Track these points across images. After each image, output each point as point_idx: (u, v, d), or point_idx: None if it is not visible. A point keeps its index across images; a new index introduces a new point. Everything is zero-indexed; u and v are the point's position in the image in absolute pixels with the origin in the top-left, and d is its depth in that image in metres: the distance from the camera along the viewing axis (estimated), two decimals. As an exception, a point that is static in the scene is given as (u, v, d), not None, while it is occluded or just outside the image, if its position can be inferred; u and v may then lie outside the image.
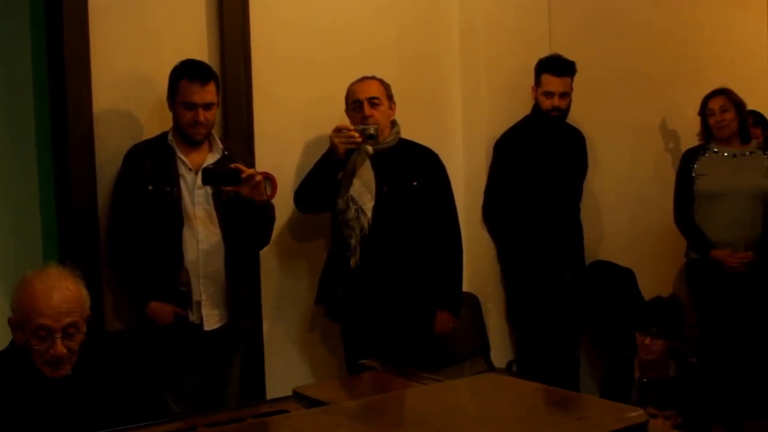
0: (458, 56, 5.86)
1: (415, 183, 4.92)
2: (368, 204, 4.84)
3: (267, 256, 5.07)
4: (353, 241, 4.85)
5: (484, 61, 5.78)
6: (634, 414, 2.44)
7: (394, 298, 4.88)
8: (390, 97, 4.94)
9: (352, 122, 4.85)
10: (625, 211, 6.53)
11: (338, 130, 4.74)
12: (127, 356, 4.44)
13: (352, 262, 4.85)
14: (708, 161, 5.84)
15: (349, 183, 4.85)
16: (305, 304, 5.29)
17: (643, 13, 6.63)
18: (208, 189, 4.44)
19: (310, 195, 4.92)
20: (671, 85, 6.72)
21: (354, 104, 4.87)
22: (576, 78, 5.69)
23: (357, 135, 4.72)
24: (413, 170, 4.95)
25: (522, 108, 5.74)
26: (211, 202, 4.45)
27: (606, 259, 6.32)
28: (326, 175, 4.82)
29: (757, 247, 5.73)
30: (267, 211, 4.56)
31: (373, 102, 4.85)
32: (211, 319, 4.48)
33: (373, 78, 4.95)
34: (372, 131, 4.74)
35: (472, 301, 5.83)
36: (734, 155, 5.82)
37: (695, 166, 5.86)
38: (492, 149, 5.75)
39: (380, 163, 4.86)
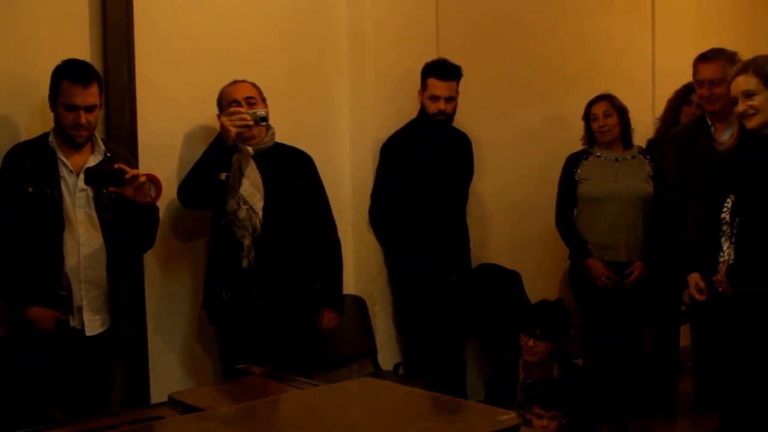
0: (346, 59, 5.86)
1: (298, 183, 4.95)
2: (258, 204, 4.83)
3: (150, 259, 5.01)
4: (247, 242, 4.82)
5: (371, 65, 5.80)
6: (506, 417, 2.46)
7: (286, 299, 4.88)
8: (264, 100, 4.94)
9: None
10: (511, 214, 6.61)
11: (229, 114, 4.71)
12: (6, 362, 4.38)
13: (245, 262, 4.82)
14: (591, 165, 5.93)
15: (239, 183, 4.82)
16: (190, 307, 5.25)
17: (530, 20, 6.74)
18: (90, 192, 4.37)
19: (197, 188, 4.86)
20: (556, 90, 6.83)
21: (232, 104, 4.85)
22: (463, 82, 5.74)
23: (249, 117, 4.71)
24: (293, 171, 4.98)
25: (409, 111, 5.77)
26: (93, 205, 4.38)
27: (492, 262, 6.40)
28: (214, 164, 4.77)
29: (640, 253, 5.86)
30: (151, 214, 4.50)
31: (249, 101, 4.86)
32: (93, 324, 4.41)
33: (244, 81, 4.96)
34: (263, 113, 4.77)
35: (359, 303, 5.85)
36: (616, 159, 5.92)
37: (578, 170, 5.94)
38: (379, 152, 5.76)
39: (261, 164, 4.86)
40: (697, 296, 4.67)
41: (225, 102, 4.90)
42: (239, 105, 4.82)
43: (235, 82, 4.95)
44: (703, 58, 5.41)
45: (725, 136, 4.95)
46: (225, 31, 5.36)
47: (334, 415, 2.63)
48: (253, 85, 4.95)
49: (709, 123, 5.37)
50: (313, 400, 2.87)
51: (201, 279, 5.11)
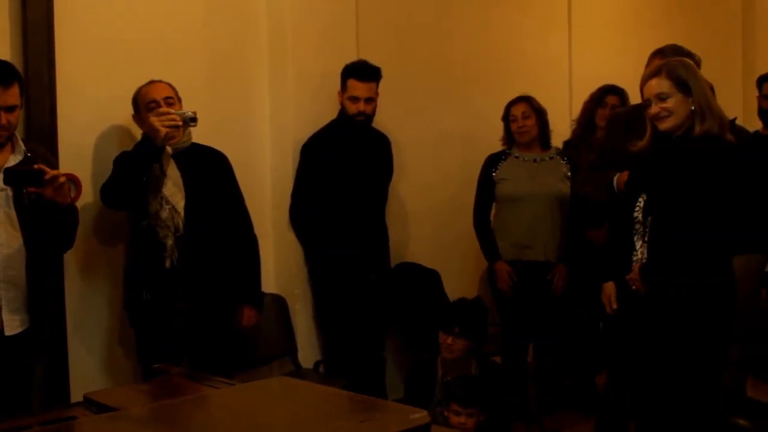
0: (267, 60, 5.87)
1: (216, 183, 4.97)
2: (180, 203, 4.82)
3: (70, 259, 4.98)
4: (169, 242, 4.81)
5: (292, 66, 5.81)
6: (417, 416, 2.50)
7: (207, 298, 4.89)
8: (180, 100, 4.93)
9: (144, 123, 4.83)
10: (431, 213, 6.68)
11: (159, 114, 4.70)
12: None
13: (168, 262, 4.82)
14: (509, 166, 6.01)
15: (161, 183, 4.82)
16: (110, 308, 5.22)
17: (450, 22, 6.80)
18: (9, 191, 4.33)
19: (123, 189, 4.78)
20: (476, 91, 6.91)
21: (150, 104, 4.83)
22: (383, 84, 5.78)
23: (178, 118, 4.70)
24: (210, 171, 4.99)
25: (329, 112, 5.80)
26: (12, 204, 4.32)
27: (412, 261, 6.45)
28: (143, 165, 4.72)
29: (557, 252, 5.96)
30: (70, 214, 4.48)
31: (168, 101, 4.83)
32: (12, 324, 4.36)
33: (161, 81, 4.93)
34: (191, 114, 4.74)
35: (280, 302, 5.87)
36: (534, 160, 6.01)
37: (497, 170, 6.02)
38: (299, 152, 5.79)
39: (180, 164, 4.86)
40: (607, 308, 4.77)
41: (142, 102, 4.88)
42: (158, 105, 4.80)
43: (151, 82, 4.92)
44: (659, 53, 5.31)
45: None
46: (144, 32, 5.33)
47: (247, 415, 2.65)
48: (170, 85, 4.93)
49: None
50: (228, 399, 2.88)
51: (121, 280, 5.08)
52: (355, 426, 2.52)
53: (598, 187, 5.15)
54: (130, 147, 4.89)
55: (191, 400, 2.90)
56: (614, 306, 4.70)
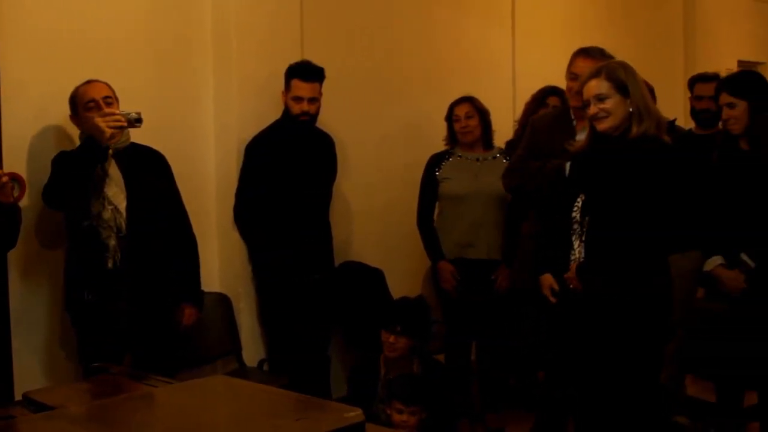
0: (211, 60, 5.87)
1: (156, 182, 4.98)
2: (122, 204, 4.81)
3: (11, 258, 4.94)
4: (112, 242, 4.80)
5: (236, 66, 5.82)
6: (352, 414, 2.52)
7: (150, 298, 4.90)
8: (117, 99, 4.91)
9: (85, 123, 4.82)
10: (375, 213, 6.72)
11: (104, 114, 4.67)
12: None
13: (110, 263, 4.81)
14: (452, 165, 6.05)
15: (102, 183, 4.81)
16: (52, 309, 5.20)
17: (394, 22, 6.85)
18: (-47, 191, 4.33)
19: (67, 189, 4.75)
20: (420, 91, 6.96)
21: (89, 104, 4.81)
22: (327, 84, 5.80)
23: (123, 119, 4.67)
24: (150, 170, 5.00)
25: (273, 112, 5.80)
26: (-47, 205, 4.34)
27: (356, 260, 6.49)
28: (87, 165, 4.70)
29: (500, 251, 6.02)
30: (13, 214, 4.47)
31: (107, 101, 4.82)
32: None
33: (98, 81, 4.92)
34: (135, 115, 4.70)
35: (224, 300, 5.89)
36: (477, 160, 6.05)
37: (440, 169, 6.06)
38: (243, 152, 5.80)
39: (120, 164, 4.86)
40: (551, 298, 4.83)
41: (81, 102, 4.85)
42: (98, 105, 4.79)
43: (89, 82, 4.90)
44: (583, 53, 5.31)
45: (582, 135, 5.08)
46: (89, 30, 5.31)
47: (185, 413, 2.66)
48: (107, 84, 4.92)
49: (572, 117, 5.35)
50: (166, 398, 2.89)
51: (62, 281, 5.06)
52: (289, 424, 2.54)
53: (530, 177, 5.22)
54: (68, 147, 4.88)
55: (129, 398, 2.91)
56: (556, 288, 4.74)
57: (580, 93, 5.06)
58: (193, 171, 5.72)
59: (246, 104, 5.86)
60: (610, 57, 5.13)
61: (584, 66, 5.13)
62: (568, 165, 4.76)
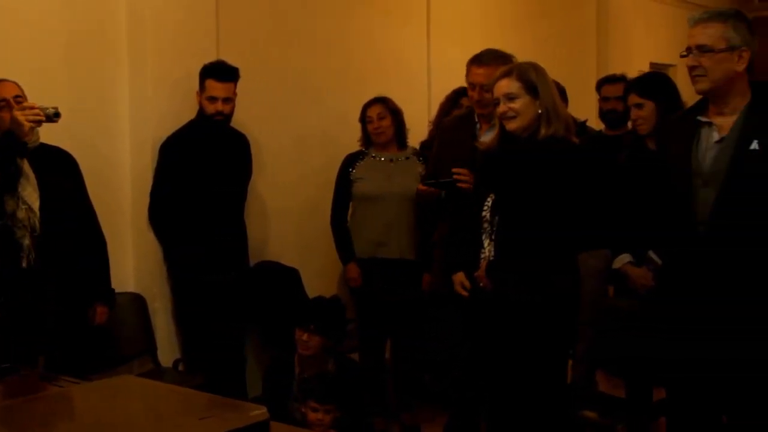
0: (126, 59, 5.85)
1: (65, 182, 4.97)
2: (36, 203, 4.78)
3: None
4: (26, 242, 4.77)
5: (151, 65, 5.81)
6: (257, 412, 2.55)
7: (64, 298, 4.89)
8: (27, 99, 4.88)
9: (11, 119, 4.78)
10: (291, 213, 6.74)
11: (23, 108, 4.63)
12: None
13: (25, 262, 4.78)
14: (366, 166, 6.09)
15: (17, 182, 4.78)
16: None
17: (310, 22, 6.86)
18: None
19: None
20: (336, 92, 6.98)
21: (0, 103, 4.81)
22: (243, 83, 5.82)
23: (41, 113, 4.63)
24: (60, 170, 4.98)
25: (188, 111, 5.81)
26: None
27: (272, 259, 6.50)
28: (5, 161, 4.67)
29: (412, 250, 6.06)
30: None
31: (17, 100, 4.79)
32: None
33: (7, 80, 4.89)
34: (53, 110, 4.66)
35: (139, 300, 5.87)
36: (391, 160, 6.10)
37: (354, 170, 6.10)
38: (158, 151, 5.79)
39: (32, 164, 4.83)
40: (462, 293, 4.88)
41: None
42: (8, 104, 4.76)
43: (0, 81, 4.89)
44: (476, 61, 5.33)
45: (487, 136, 5.14)
46: (2, 29, 5.29)
47: (89, 413, 2.68)
48: (17, 84, 4.89)
49: (476, 120, 5.39)
50: (73, 398, 2.89)
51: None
52: (193, 423, 2.56)
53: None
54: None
55: (34, 399, 2.91)
56: (467, 285, 4.81)
57: (480, 101, 5.14)
58: (107, 170, 5.71)
59: (161, 103, 5.85)
60: (508, 57, 5.20)
61: (479, 74, 5.23)
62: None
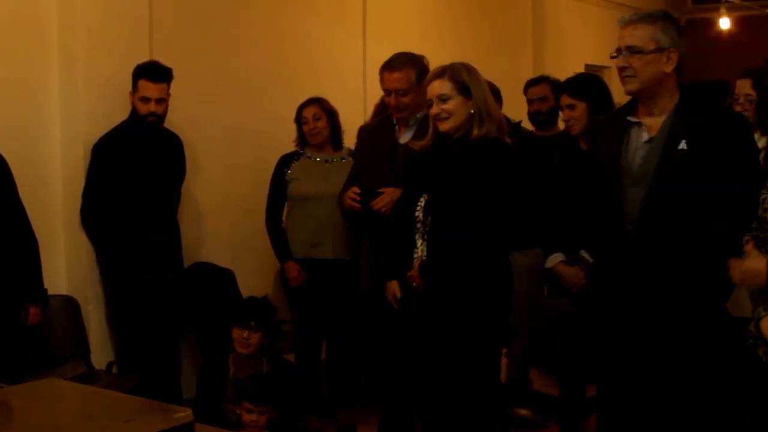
0: (56, 59, 5.80)
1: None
2: None
3: None
4: None
5: (82, 65, 5.77)
6: (181, 414, 2.55)
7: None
8: None
9: None
10: (226, 214, 6.72)
11: None
12: None
13: None
14: (301, 166, 6.10)
15: None
16: None
17: (245, 22, 6.85)
18: None
19: None
20: (272, 91, 6.96)
21: None
22: (177, 83, 5.80)
23: None
24: None
25: (121, 112, 5.77)
26: None
27: (207, 260, 6.48)
28: None
29: (346, 250, 6.07)
30: None
31: None
32: None
33: None
34: None
35: (72, 303, 5.81)
36: (326, 161, 6.12)
37: (289, 170, 6.11)
38: (90, 152, 5.74)
39: None
40: (393, 303, 4.91)
41: None
42: None
43: None
44: (388, 67, 5.31)
45: (405, 138, 5.19)
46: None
47: (11, 417, 2.66)
48: None
49: (394, 122, 5.40)
50: (-3, 402, 2.88)
51: None
52: (118, 426, 2.55)
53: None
54: None
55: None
56: (398, 296, 4.82)
57: (397, 106, 5.15)
58: (38, 171, 5.67)
59: (93, 104, 5.81)
60: (419, 59, 5.23)
61: (393, 79, 5.24)
62: None
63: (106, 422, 2.59)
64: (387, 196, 5.20)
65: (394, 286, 4.89)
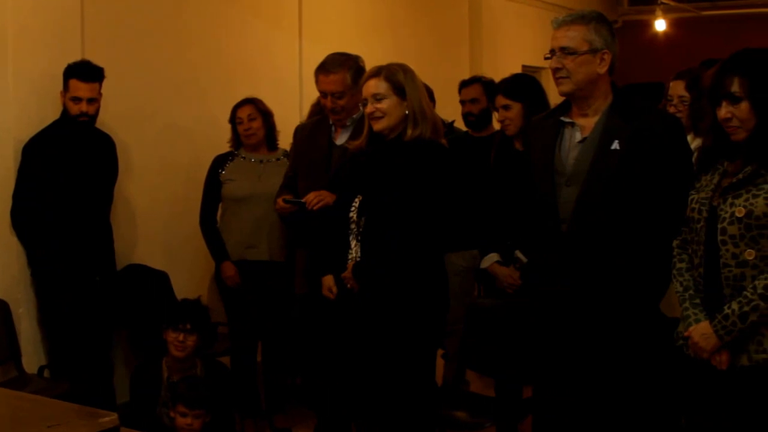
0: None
1: None
2: None
3: None
4: None
5: (12, 64, 5.66)
6: (107, 419, 2.52)
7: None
8: None
9: None
10: (159, 215, 6.65)
11: None
12: None
13: None
14: (235, 167, 6.08)
15: None
16: None
17: (181, 21, 6.80)
18: None
19: None
20: (207, 91, 6.92)
21: None
22: (110, 83, 5.74)
23: None
24: None
25: (53, 112, 5.70)
26: None
27: (141, 262, 6.41)
28: None
29: (281, 252, 6.06)
30: None
31: None
32: None
33: None
34: None
35: (2, 306, 5.70)
36: (261, 161, 6.09)
37: (223, 171, 6.08)
38: (21, 153, 5.66)
39: None
40: (329, 296, 4.89)
41: None
42: None
43: None
44: (322, 70, 5.24)
45: (342, 139, 5.18)
46: None
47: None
48: None
49: (331, 123, 5.36)
50: None
51: None
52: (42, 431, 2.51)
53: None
54: None
55: None
56: (334, 290, 4.80)
57: (333, 108, 5.12)
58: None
59: (23, 104, 5.72)
60: (353, 58, 5.21)
61: (328, 81, 5.18)
62: None
63: (29, 428, 2.54)
64: (316, 194, 5.08)
65: (329, 281, 4.87)
